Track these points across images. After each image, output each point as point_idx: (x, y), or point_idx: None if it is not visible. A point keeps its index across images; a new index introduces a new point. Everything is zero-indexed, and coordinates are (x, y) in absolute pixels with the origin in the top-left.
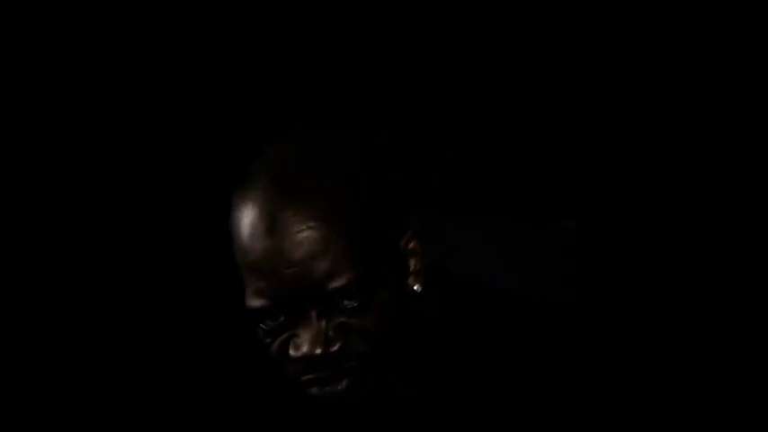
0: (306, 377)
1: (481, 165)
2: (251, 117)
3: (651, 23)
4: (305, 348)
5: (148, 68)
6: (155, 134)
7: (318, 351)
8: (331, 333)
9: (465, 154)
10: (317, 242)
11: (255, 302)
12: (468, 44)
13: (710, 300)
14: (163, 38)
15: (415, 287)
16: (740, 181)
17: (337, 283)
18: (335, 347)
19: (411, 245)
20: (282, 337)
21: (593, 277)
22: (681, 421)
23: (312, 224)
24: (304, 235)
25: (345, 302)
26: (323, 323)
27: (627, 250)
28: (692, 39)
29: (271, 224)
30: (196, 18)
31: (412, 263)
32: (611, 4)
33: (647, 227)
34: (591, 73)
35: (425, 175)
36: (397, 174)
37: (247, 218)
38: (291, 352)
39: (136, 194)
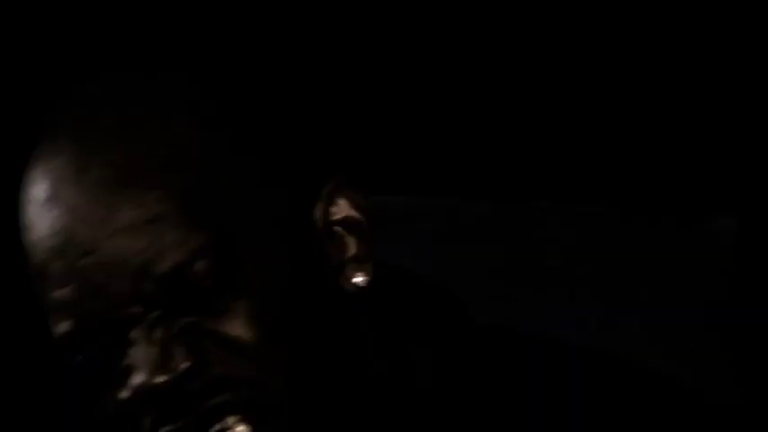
0: None
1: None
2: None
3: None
4: (138, 379)
5: None
6: None
7: (161, 379)
8: (178, 347)
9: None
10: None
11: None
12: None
13: None
14: None
15: (357, 279)
16: None
17: (172, 260)
18: (185, 365)
19: (336, 205)
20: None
21: None
22: None
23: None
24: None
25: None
26: (158, 333)
27: None
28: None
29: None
30: None
31: (345, 236)
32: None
33: None
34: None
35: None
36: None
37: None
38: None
39: None
